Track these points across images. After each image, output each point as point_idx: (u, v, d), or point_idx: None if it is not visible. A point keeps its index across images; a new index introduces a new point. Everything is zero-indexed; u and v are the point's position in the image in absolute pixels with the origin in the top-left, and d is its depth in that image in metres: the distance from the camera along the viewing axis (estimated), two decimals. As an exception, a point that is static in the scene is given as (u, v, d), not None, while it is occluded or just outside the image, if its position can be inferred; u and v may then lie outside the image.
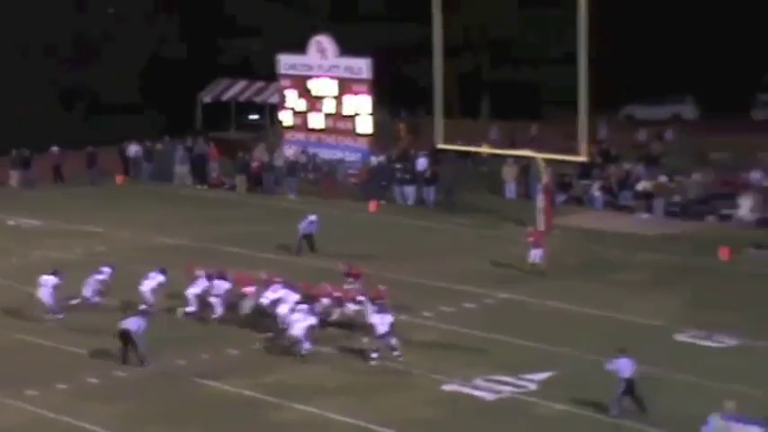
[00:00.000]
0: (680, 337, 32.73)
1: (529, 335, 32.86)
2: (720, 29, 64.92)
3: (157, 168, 56.06)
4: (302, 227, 41.84)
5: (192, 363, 31.37)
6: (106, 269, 36.08)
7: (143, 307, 32.66)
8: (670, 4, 65.56)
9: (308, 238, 41.74)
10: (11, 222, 47.48)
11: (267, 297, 33.74)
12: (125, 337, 31.10)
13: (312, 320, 31.66)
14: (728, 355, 31.48)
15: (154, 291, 35.11)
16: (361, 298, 33.15)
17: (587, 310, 35.08)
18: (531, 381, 29.64)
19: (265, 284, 34.33)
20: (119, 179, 55.57)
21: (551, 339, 32.42)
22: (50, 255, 41.83)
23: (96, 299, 35.49)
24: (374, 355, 31.02)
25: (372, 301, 32.60)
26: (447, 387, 29.60)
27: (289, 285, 33.88)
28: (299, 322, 31.51)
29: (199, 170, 55.29)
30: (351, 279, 35.42)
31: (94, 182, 54.96)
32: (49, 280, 35.03)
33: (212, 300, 34.59)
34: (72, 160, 55.14)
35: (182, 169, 55.46)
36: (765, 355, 31.22)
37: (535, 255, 38.72)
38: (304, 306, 32.32)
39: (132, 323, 31.23)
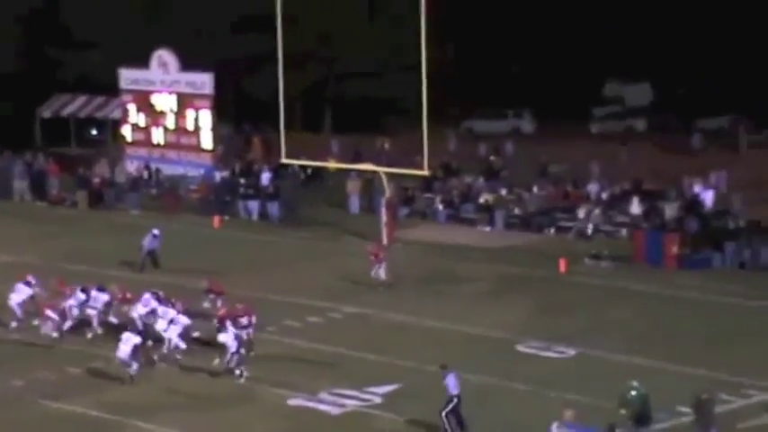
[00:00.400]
0: (521, 348, 33.31)
1: (374, 348, 33.11)
2: (558, 42, 66.26)
3: (-2, 184, 55.01)
4: (146, 243, 41.60)
5: (30, 382, 30.87)
6: None
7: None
8: (510, 18, 66.65)
9: (151, 254, 41.44)
10: None
11: (138, 311, 33.56)
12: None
13: (136, 340, 31.05)
14: (567, 365, 32.15)
15: (21, 304, 34.65)
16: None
17: (431, 323, 35.47)
18: (376, 394, 29.88)
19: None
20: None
21: (396, 352, 32.71)
22: None
23: None
24: (238, 372, 30.88)
25: (234, 319, 32.37)
26: (292, 401, 29.67)
27: (162, 300, 33.78)
28: (126, 343, 30.91)
29: (38, 186, 54.41)
30: (212, 295, 35.35)
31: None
32: None
33: (90, 312, 34.37)
34: None
35: (21, 185, 54.49)
36: (602, 364, 31.96)
37: (378, 270, 39.03)
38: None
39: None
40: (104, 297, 34.59)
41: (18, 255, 42.91)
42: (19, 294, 34.98)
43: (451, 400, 27.32)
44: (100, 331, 34.27)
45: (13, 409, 29.53)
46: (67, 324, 34.22)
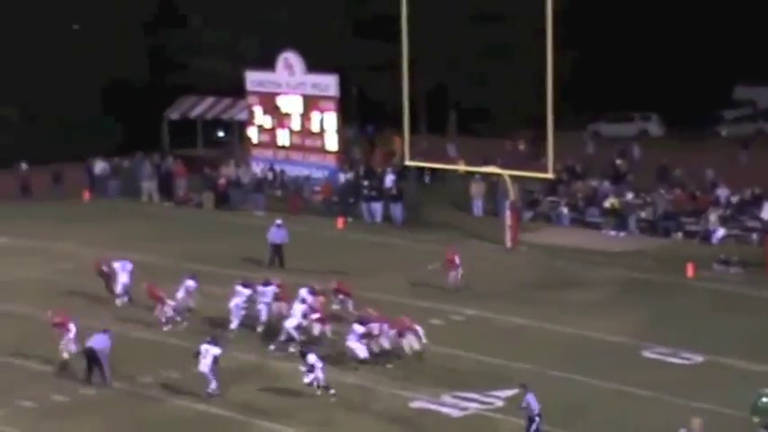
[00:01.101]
0: (647, 354, 32.81)
1: (496, 351, 32.88)
2: (687, 45, 65.30)
3: (124, 185, 55.92)
4: (271, 235, 42.19)
5: (158, 380, 31.24)
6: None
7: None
8: (637, 20, 65.89)
9: (277, 249, 41.82)
10: (-24, 240, 47.25)
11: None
12: (90, 355, 30.95)
13: (216, 351, 30.21)
14: (694, 372, 31.59)
15: (186, 297, 35.30)
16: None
17: (554, 327, 35.13)
18: (498, 397, 29.65)
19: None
20: (85, 196, 55.37)
21: (518, 356, 32.45)
22: (13, 273, 41.66)
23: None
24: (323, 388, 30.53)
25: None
26: (414, 404, 29.59)
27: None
28: (206, 356, 30.15)
29: (166, 187, 55.18)
30: (341, 296, 35.55)
31: (61, 198, 54.70)
32: None
33: (260, 307, 34.84)
34: (38, 176, 54.94)
35: (149, 185, 55.32)
36: (731, 371, 31.34)
37: (453, 275, 38.66)
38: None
39: (98, 342, 31.08)
40: (271, 290, 34.91)
41: (144, 254, 43.48)
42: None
43: (534, 420, 26.96)
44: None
45: (144, 408, 29.87)
46: (235, 323, 34.51)
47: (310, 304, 33.93)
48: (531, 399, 27.08)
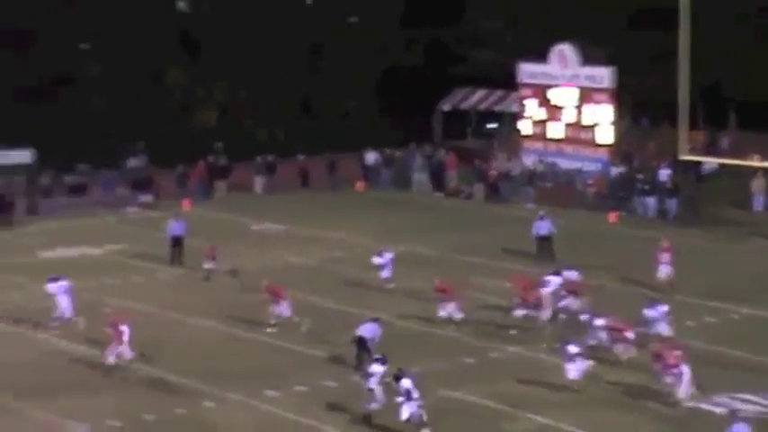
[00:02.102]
0: None
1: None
2: None
3: (396, 176, 56.52)
4: (536, 227, 42.04)
5: (425, 369, 31.32)
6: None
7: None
8: None
9: (544, 240, 41.43)
10: (255, 227, 48.50)
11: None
12: (360, 343, 31.27)
13: (379, 370, 28.22)
14: None
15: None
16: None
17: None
18: (775, 400, 28.56)
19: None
20: (358, 186, 56.19)
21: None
22: (290, 260, 42.60)
23: None
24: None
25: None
26: (687, 404, 28.73)
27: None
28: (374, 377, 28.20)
29: (437, 178, 55.47)
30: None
31: (335, 188, 55.71)
32: None
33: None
34: (315, 166, 56.12)
35: (420, 177, 55.74)
36: None
37: (665, 270, 37.36)
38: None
39: (367, 330, 31.38)
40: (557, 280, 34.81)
41: (413, 245, 43.77)
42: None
43: None
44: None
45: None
46: (546, 313, 34.38)
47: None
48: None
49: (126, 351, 31.28)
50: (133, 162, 55.98)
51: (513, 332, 33.83)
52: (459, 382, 30.44)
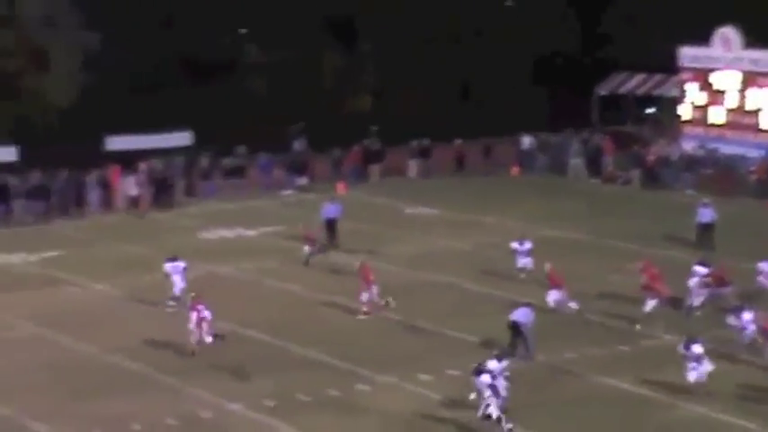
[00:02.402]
0: None
1: None
2: None
3: (552, 161, 55.97)
4: (699, 215, 41.26)
5: (581, 356, 30.94)
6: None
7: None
8: None
9: (706, 228, 40.61)
10: (409, 211, 48.52)
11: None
12: (515, 328, 31.03)
13: (497, 366, 27.10)
14: None
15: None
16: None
17: None
18: None
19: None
20: (513, 170, 55.80)
21: None
22: (444, 244, 42.50)
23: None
24: None
25: None
26: None
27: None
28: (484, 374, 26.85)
29: (593, 163, 54.77)
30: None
31: (490, 173, 55.40)
32: None
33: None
34: (471, 151, 55.92)
35: (576, 162, 55.10)
36: None
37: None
38: None
39: (521, 315, 31.12)
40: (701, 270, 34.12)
41: (568, 231, 43.29)
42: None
43: None
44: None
45: (562, 383, 29.64)
46: (696, 301, 33.87)
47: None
48: None
49: (202, 333, 31.21)
50: (297, 145, 56.54)
51: (638, 327, 33.07)
52: (614, 369, 29.96)
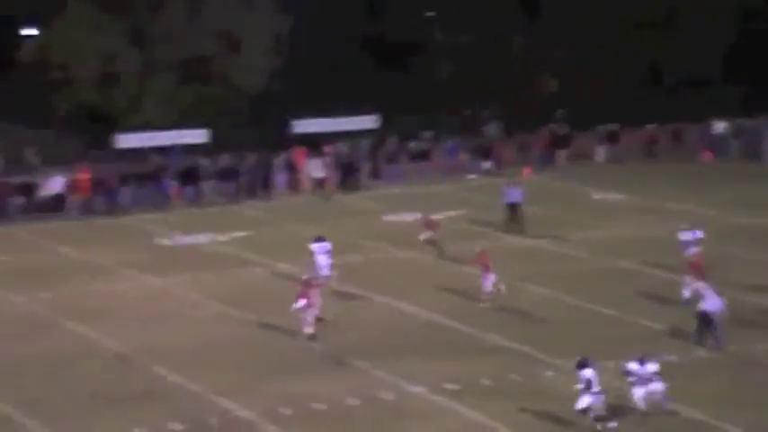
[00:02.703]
0: None
1: None
2: None
3: (745, 146, 54.46)
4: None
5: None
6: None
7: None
8: None
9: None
10: (596, 196, 47.78)
11: None
12: (703, 317, 30.21)
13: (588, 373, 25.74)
14: None
15: None
16: None
17: None
18: None
19: None
20: (705, 156, 54.45)
21: None
22: (630, 230, 41.70)
23: None
24: None
25: None
26: None
27: None
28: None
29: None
30: None
31: (680, 158, 54.17)
32: None
33: None
34: (661, 136, 54.81)
35: (770, 148, 53.61)
36: None
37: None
38: None
39: (712, 304, 30.28)
40: None
41: (757, 218, 41.97)
42: None
43: None
44: None
45: (753, 373, 28.70)
46: None
47: None
48: None
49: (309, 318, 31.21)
50: (490, 130, 56.27)
51: None
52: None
